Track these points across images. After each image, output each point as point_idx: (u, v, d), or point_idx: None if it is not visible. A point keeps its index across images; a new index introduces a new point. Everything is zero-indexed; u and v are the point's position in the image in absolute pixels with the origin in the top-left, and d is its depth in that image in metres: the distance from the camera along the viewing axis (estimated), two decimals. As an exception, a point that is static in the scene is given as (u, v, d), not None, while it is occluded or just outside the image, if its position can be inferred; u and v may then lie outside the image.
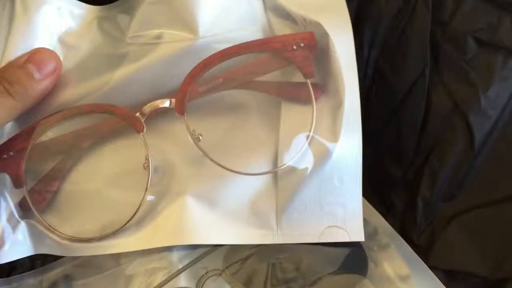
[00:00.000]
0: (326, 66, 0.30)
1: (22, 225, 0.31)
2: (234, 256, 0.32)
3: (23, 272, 0.34)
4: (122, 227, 0.30)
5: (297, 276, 0.31)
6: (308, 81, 0.30)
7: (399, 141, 0.35)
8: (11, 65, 0.29)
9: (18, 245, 0.31)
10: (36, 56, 0.29)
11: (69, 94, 0.31)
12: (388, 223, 0.33)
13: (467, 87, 0.33)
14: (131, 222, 0.30)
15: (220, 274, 0.30)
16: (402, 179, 0.35)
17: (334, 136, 0.29)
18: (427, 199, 0.34)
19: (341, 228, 0.30)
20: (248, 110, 0.32)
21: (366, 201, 0.36)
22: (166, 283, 0.31)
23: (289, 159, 0.30)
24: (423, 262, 0.33)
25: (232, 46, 0.29)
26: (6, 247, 0.30)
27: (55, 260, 0.34)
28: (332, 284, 0.30)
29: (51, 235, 0.31)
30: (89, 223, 0.31)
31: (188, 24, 0.30)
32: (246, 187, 0.30)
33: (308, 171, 0.29)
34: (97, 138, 0.32)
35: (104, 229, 0.30)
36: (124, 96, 0.31)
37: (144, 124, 0.30)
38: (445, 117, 0.34)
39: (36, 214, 0.30)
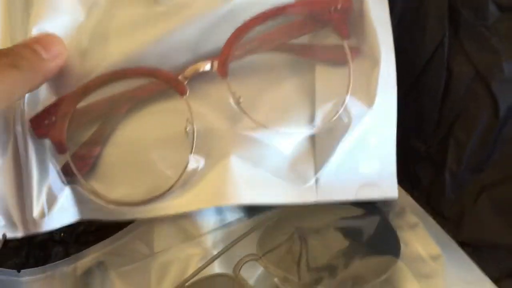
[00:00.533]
0: (361, 27, 0.31)
1: (67, 191, 0.31)
2: (269, 240, 0.32)
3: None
4: (169, 189, 0.30)
5: (331, 259, 0.31)
6: (345, 42, 0.30)
7: (421, 114, 0.35)
8: (19, 44, 0.29)
9: (64, 211, 0.31)
10: (43, 38, 0.29)
11: (100, 55, 0.30)
12: (414, 198, 0.34)
13: (489, 54, 0.32)
14: (176, 185, 0.30)
15: (256, 259, 0.31)
16: (426, 152, 0.35)
17: (370, 96, 0.30)
18: (454, 172, 0.34)
19: (375, 185, 0.31)
20: (284, 72, 0.32)
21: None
22: (202, 269, 0.31)
23: (326, 120, 0.30)
24: (453, 241, 0.33)
25: (271, 9, 0.30)
26: (52, 213, 0.30)
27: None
28: (367, 266, 0.31)
29: (96, 199, 0.31)
30: (134, 187, 0.31)
31: None
32: (286, 147, 0.31)
33: (345, 131, 0.30)
34: (136, 102, 0.32)
35: (149, 193, 0.30)
36: (158, 58, 0.30)
37: (187, 87, 0.30)
38: (467, 86, 0.33)
39: (81, 178, 0.30)
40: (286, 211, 0.33)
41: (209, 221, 0.34)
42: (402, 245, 0.32)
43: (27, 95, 0.29)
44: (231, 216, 0.34)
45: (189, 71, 0.30)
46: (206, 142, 0.30)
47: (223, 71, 0.30)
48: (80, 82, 0.30)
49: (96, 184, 0.31)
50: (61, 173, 0.31)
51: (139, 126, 0.31)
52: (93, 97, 0.31)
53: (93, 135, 0.31)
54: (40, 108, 0.30)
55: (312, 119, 0.31)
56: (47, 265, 0.34)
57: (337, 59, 0.31)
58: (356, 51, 0.31)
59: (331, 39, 0.31)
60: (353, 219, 0.33)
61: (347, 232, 0.32)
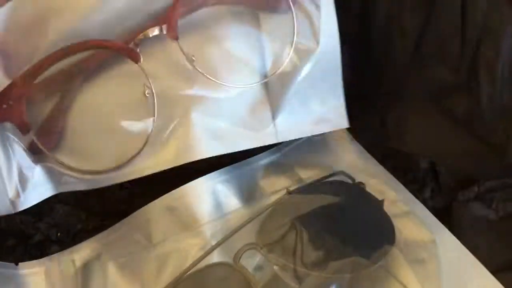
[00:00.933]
0: None
1: (38, 169, 0.31)
2: (267, 229, 0.33)
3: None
4: (137, 154, 0.31)
5: (327, 247, 0.32)
6: None
7: (443, 41, 0.33)
8: None
9: (38, 187, 0.31)
10: None
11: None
12: (451, 131, 0.34)
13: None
14: (143, 149, 0.31)
15: (255, 248, 0.31)
16: (455, 80, 0.33)
17: (315, 37, 0.33)
18: (490, 95, 0.32)
19: (327, 119, 0.35)
20: (231, 25, 0.33)
21: (385, 169, 0.38)
22: (201, 259, 0.31)
23: (277, 67, 0.33)
24: (445, 227, 0.34)
25: None
26: (27, 192, 0.30)
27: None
28: (363, 254, 0.31)
29: (67, 172, 0.31)
30: (102, 155, 0.31)
31: None
32: (243, 99, 0.33)
33: (295, 74, 0.33)
34: (88, 73, 0.31)
35: (118, 159, 0.31)
36: (102, 27, 0.30)
37: (140, 54, 0.30)
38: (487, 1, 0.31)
39: (49, 154, 0.31)
40: (283, 201, 0.34)
41: (206, 212, 0.34)
42: (396, 232, 0.33)
43: None
44: (228, 207, 0.35)
45: (139, 37, 0.30)
46: (166, 104, 0.31)
47: (173, 35, 0.30)
48: (29, 60, 0.30)
49: (66, 157, 0.31)
50: (28, 152, 0.31)
51: (97, 94, 0.32)
52: (46, 73, 0.30)
53: (53, 110, 0.31)
54: None
55: (263, 67, 0.33)
56: (45, 258, 0.34)
57: (279, 7, 0.33)
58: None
59: None
60: (349, 208, 0.33)
61: (343, 221, 0.33)
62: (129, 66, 0.30)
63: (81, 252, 0.35)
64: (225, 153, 0.33)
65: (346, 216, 0.33)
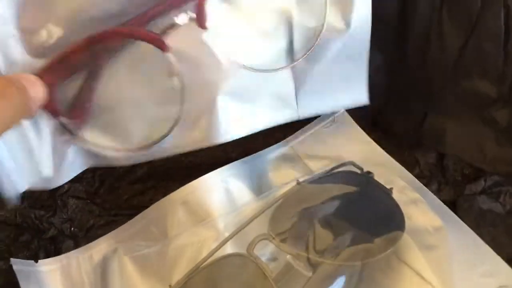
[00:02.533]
0: None
1: (71, 148, 0.32)
2: (279, 220, 0.33)
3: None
4: (169, 132, 0.31)
5: (339, 235, 0.32)
6: None
7: (485, 57, 0.34)
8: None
9: (72, 164, 0.32)
10: (24, 77, 0.27)
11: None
12: (492, 139, 0.35)
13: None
14: (171, 130, 0.31)
15: (268, 239, 0.32)
16: (498, 94, 0.34)
17: (346, 20, 0.33)
18: None
19: (348, 96, 0.36)
20: (261, 5, 0.32)
21: (392, 159, 0.39)
22: (216, 251, 0.32)
23: (305, 49, 0.33)
24: (453, 213, 0.35)
25: None
26: (62, 168, 0.32)
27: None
28: (374, 241, 0.32)
29: (100, 150, 0.32)
30: (133, 134, 0.32)
31: None
32: (268, 80, 0.34)
33: (321, 55, 0.33)
34: (115, 52, 0.31)
35: (150, 138, 0.32)
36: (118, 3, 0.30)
37: (169, 45, 0.29)
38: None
39: (80, 134, 0.31)
40: (293, 192, 0.35)
41: (219, 205, 0.35)
42: (406, 219, 0.33)
43: (1, 54, 0.28)
44: (240, 200, 0.36)
45: (167, 27, 0.29)
46: (193, 86, 0.31)
47: (202, 25, 0.30)
48: (52, 38, 0.29)
49: (96, 137, 0.32)
50: (59, 135, 0.31)
51: (122, 76, 0.31)
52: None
53: (80, 90, 0.31)
54: (19, 68, 0.29)
55: (291, 48, 0.33)
56: (63, 255, 0.35)
57: None
58: None
59: None
60: (359, 196, 0.34)
61: (354, 209, 0.33)
62: (156, 50, 0.30)
63: (98, 248, 0.35)
64: (249, 133, 0.34)
65: (356, 204, 0.34)
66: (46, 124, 0.30)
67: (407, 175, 0.37)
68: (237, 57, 0.31)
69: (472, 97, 0.35)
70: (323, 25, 0.33)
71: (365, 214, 0.33)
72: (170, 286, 0.31)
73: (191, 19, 0.30)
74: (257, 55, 0.32)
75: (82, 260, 0.35)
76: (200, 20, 0.30)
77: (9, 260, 0.34)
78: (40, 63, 0.29)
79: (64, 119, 0.30)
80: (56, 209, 0.39)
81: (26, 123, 0.29)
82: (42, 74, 0.29)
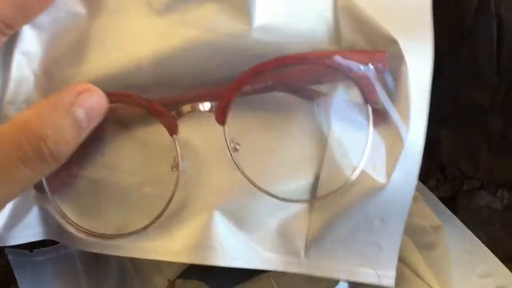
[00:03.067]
0: (393, 91, 0.27)
1: (34, 209, 0.29)
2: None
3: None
4: (143, 229, 0.27)
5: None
6: (369, 106, 0.27)
7: (478, 66, 0.33)
8: (54, 107, 0.24)
9: (29, 228, 0.29)
10: (85, 100, 0.24)
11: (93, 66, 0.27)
12: (487, 150, 0.34)
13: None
14: (151, 226, 0.27)
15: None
16: (491, 103, 0.33)
17: (386, 174, 0.27)
18: None
19: (372, 270, 0.28)
20: (294, 122, 0.28)
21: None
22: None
23: (330, 189, 0.27)
24: (451, 212, 0.35)
25: (290, 56, 0.26)
26: (17, 229, 0.29)
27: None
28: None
29: (65, 224, 0.28)
30: (106, 219, 0.28)
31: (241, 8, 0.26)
32: (278, 210, 0.28)
33: (349, 205, 0.27)
34: (120, 124, 0.28)
35: (121, 228, 0.28)
36: (153, 76, 0.27)
37: (178, 127, 0.27)
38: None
39: (52, 200, 0.28)
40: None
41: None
42: (404, 218, 0.33)
43: (9, 94, 0.27)
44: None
45: (184, 109, 0.26)
46: (192, 185, 0.27)
47: (221, 118, 0.26)
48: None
49: (67, 208, 0.28)
50: (32, 189, 0.28)
51: (122, 150, 0.28)
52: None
53: (72, 154, 0.27)
54: (22, 106, 0.27)
55: (315, 182, 0.28)
56: (59, 244, 0.35)
57: (357, 121, 0.27)
58: (382, 117, 0.27)
59: (352, 96, 0.27)
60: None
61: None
62: (163, 132, 0.27)
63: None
64: (240, 267, 0.28)
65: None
66: None
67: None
68: (251, 172, 0.26)
69: (466, 106, 0.34)
70: (355, 168, 0.26)
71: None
72: (169, 280, 0.31)
73: (211, 108, 0.26)
74: (274, 178, 0.27)
75: (78, 250, 0.34)
76: (219, 112, 0.26)
77: (5, 256, 0.33)
78: None
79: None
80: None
81: None
82: None
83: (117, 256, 0.34)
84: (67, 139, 0.24)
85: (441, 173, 0.40)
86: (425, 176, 0.39)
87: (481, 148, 0.35)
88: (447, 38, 0.33)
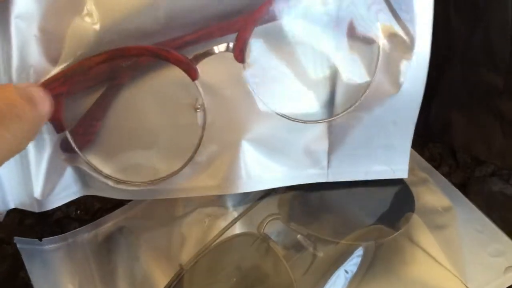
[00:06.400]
0: (400, 5, 0.29)
1: (68, 169, 0.29)
2: (289, 199, 0.33)
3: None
4: (177, 172, 0.29)
5: (350, 216, 0.32)
6: (378, 22, 0.29)
7: (491, 49, 0.33)
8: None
9: (67, 189, 0.30)
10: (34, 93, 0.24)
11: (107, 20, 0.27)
12: (501, 134, 0.34)
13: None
14: (184, 168, 0.28)
15: (279, 218, 0.32)
16: (505, 86, 0.33)
17: (397, 83, 0.29)
18: None
19: (387, 167, 0.32)
20: (307, 46, 0.29)
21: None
22: (226, 230, 0.32)
23: (345, 106, 0.29)
24: (462, 194, 0.35)
25: None
26: (55, 191, 0.29)
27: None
28: (385, 222, 0.32)
29: (99, 177, 0.29)
30: (139, 167, 0.29)
31: None
32: (300, 132, 0.30)
33: (364, 116, 0.30)
34: (139, 71, 0.28)
35: (155, 173, 0.29)
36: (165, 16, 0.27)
37: (198, 71, 0.27)
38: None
39: (82, 156, 0.29)
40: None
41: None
42: (415, 199, 0.33)
43: (16, 61, 0.27)
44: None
45: (202, 54, 0.27)
46: (216, 124, 0.28)
47: (240, 58, 0.27)
48: (74, 45, 0.27)
49: (99, 161, 0.29)
50: (60, 152, 0.29)
51: (143, 98, 0.29)
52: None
53: (92, 107, 0.29)
54: (32, 75, 0.27)
55: (332, 103, 0.30)
56: (68, 233, 0.35)
57: (369, 36, 0.29)
58: (389, 31, 0.29)
59: (360, 14, 0.29)
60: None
61: (364, 190, 0.33)
62: (184, 76, 0.27)
63: (104, 226, 0.35)
64: (271, 188, 0.31)
65: (366, 185, 0.33)
66: (49, 139, 0.28)
67: (415, 157, 0.37)
68: (271, 101, 0.28)
69: (479, 89, 0.34)
70: (369, 83, 0.29)
71: (376, 195, 0.33)
72: (180, 265, 0.31)
73: (228, 49, 0.27)
74: (293, 103, 0.29)
75: (88, 238, 0.35)
76: (238, 52, 0.27)
77: (15, 244, 0.33)
78: (55, 70, 0.27)
79: (68, 135, 0.28)
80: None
81: None
82: (58, 77, 0.27)
83: (127, 242, 0.34)
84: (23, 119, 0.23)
85: (453, 159, 0.40)
86: (437, 163, 0.39)
87: (494, 132, 0.35)
88: (461, 20, 0.34)
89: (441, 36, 0.35)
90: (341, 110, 0.30)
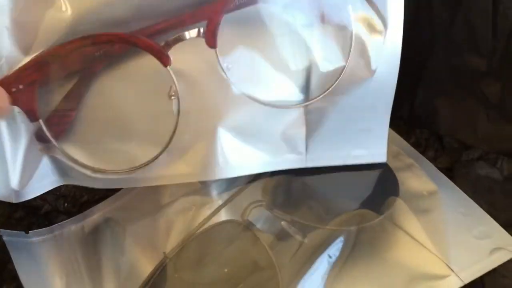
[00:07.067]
0: None
1: (45, 159, 0.29)
2: (273, 186, 0.33)
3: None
4: (154, 159, 0.28)
5: (334, 201, 0.32)
6: (350, 7, 0.29)
7: (474, 31, 0.33)
8: None
9: (44, 179, 0.29)
10: None
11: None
12: (483, 114, 0.34)
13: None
14: (161, 155, 0.28)
15: (263, 205, 0.32)
16: (488, 68, 0.33)
17: (371, 66, 0.29)
18: None
19: (365, 151, 0.31)
20: (279, 32, 0.29)
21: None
22: (210, 218, 0.32)
23: (321, 91, 0.30)
24: (447, 178, 0.35)
25: None
26: (33, 181, 0.29)
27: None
28: (369, 206, 0.32)
29: (76, 166, 0.29)
30: (116, 155, 0.29)
31: None
32: (278, 118, 0.30)
33: (340, 102, 0.30)
34: (113, 59, 0.28)
35: (134, 161, 0.29)
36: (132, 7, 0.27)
37: (171, 58, 0.27)
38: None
39: (57, 145, 0.28)
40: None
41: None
42: (400, 184, 0.33)
43: None
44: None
45: (173, 40, 0.27)
46: (191, 111, 0.28)
47: (212, 41, 0.27)
48: (46, 35, 0.27)
49: (75, 150, 0.29)
50: (35, 141, 0.29)
51: (117, 86, 0.29)
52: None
53: (66, 96, 0.29)
54: (4, 66, 0.27)
55: (308, 86, 0.30)
56: (54, 225, 0.35)
57: (341, 20, 0.29)
58: (361, 17, 0.29)
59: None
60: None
61: (347, 175, 0.33)
62: (157, 64, 0.27)
63: (90, 218, 0.35)
64: (248, 174, 0.31)
65: (349, 170, 0.33)
66: (24, 129, 0.28)
67: (401, 142, 0.37)
68: (246, 87, 0.28)
69: (463, 73, 0.34)
70: (344, 67, 0.29)
71: (359, 180, 0.33)
72: (164, 253, 0.31)
73: (200, 34, 0.27)
74: (269, 89, 0.29)
75: (74, 230, 0.35)
76: (209, 37, 0.27)
77: (1, 237, 0.33)
78: (28, 59, 0.27)
79: (43, 125, 0.28)
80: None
81: (1, 124, 0.27)
82: (29, 65, 0.26)
83: (113, 233, 0.34)
84: None
85: (440, 144, 0.39)
86: (423, 147, 0.39)
87: (479, 116, 0.35)
88: (442, 5, 0.34)
89: (424, 22, 0.35)
90: (316, 95, 0.30)
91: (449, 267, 0.31)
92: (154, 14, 0.28)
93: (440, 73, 0.35)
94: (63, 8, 0.27)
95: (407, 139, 0.37)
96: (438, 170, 0.35)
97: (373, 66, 0.29)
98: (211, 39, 0.27)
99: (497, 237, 0.32)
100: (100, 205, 0.35)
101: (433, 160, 0.38)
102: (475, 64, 0.34)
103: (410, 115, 0.37)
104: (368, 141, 0.31)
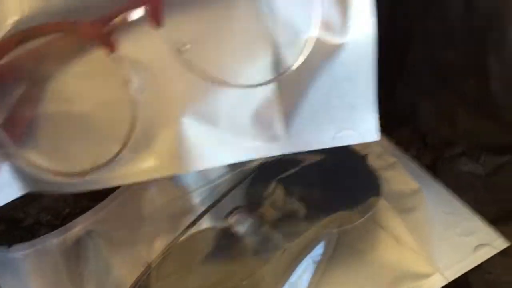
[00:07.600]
0: None
1: (4, 167, 0.27)
2: (254, 191, 0.33)
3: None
4: (115, 157, 0.26)
5: (315, 204, 0.32)
6: None
7: (447, 25, 0.32)
8: None
9: (5, 187, 0.27)
10: None
11: None
12: (465, 113, 0.34)
13: None
14: (123, 152, 0.26)
15: (245, 210, 0.31)
16: (463, 62, 0.33)
17: (343, 31, 0.27)
18: (499, 74, 0.31)
19: (353, 129, 0.28)
20: (236, 6, 0.26)
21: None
22: (193, 226, 0.32)
23: (292, 62, 0.26)
24: (430, 176, 0.35)
25: None
26: None
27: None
28: (351, 207, 0.32)
29: (40, 172, 0.27)
30: (77, 156, 0.27)
31: None
32: (246, 98, 0.27)
33: (314, 73, 0.27)
34: (64, 56, 0.26)
35: (96, 161, 0.26)
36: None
37: (115, 43, 0.25)
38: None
39: (15, 150, 0.26)
40: (267, 163, 0.34)
41: (193, 180, 0.34)
42: (383, 183, 0.33)
43: None
44: (214, 174, 0.35)
45: (115, 22, 0.24)
46: (151, 102, 0.26)
47: (157, 19, 0.24)
48: None
49: (35, 154, 0.27)
50: None
51: (71, 83, 0.26)
52: (12, 55, 0.25)
53: (20, 98, 0.26)
54: None
55: (276, 59, 0.27)
56: (36, 239, 0.34)
57: None
58: None
59: None
60: (333, 164, 0.33)
61: (328, 177, 0.33)
62: (107, 55, 0.25)
63: (72, 231, 0.35)
64: (220, 165, 0.27)
65: (330, 172, 0.33)
66: None
67: (383, 142, 0.37)
68: (207, 69, 0.25)
69: (441, 69, 0.34)
70: (313, 37, 0.26)
71: (340, 182, 0.33)
72: (147, 262, 0.31)
73: (144, 14, 0.24)
74: (231, 68, 0.26)
75: (57, 243, 0.34)
76: (153, 15, 0.24)
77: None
78: None
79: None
80: (31, 199, 0.37)
81: None
82: None
83: (95, 245, 0.34)
84: None
85: (422, 142, 0.39)
86: (405, 145, 0.39)
87: (458, 111, 0.34)
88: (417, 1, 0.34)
89: (400, 18, 0.35)
90: (285, 68, 0.26)
91: (433, 265, 0.30)
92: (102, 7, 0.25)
93: (419, 70, 0.35)
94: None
95: (389, 138, 0.37)
96: (421, 169, 0.35)
97: (344, 33, 0.27)
98: (155, 17, 0.24)
99: (481, 233, 0.32)
100: (82, 217, 0.35)
101: (415, 157, 0.38)
102: (452, 59, 0.33)
103: (391, 113, 0.37)
104: (354, 119, 0.28)
